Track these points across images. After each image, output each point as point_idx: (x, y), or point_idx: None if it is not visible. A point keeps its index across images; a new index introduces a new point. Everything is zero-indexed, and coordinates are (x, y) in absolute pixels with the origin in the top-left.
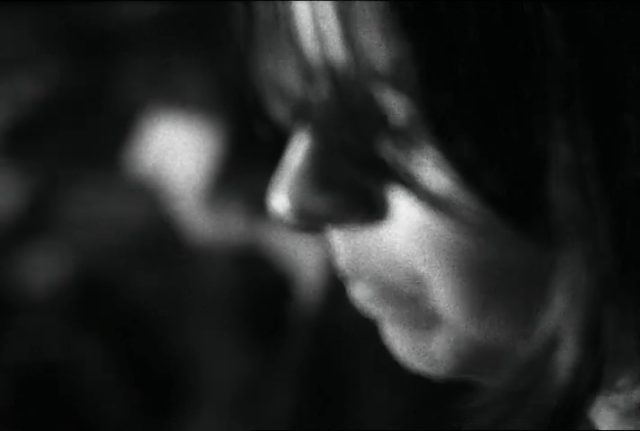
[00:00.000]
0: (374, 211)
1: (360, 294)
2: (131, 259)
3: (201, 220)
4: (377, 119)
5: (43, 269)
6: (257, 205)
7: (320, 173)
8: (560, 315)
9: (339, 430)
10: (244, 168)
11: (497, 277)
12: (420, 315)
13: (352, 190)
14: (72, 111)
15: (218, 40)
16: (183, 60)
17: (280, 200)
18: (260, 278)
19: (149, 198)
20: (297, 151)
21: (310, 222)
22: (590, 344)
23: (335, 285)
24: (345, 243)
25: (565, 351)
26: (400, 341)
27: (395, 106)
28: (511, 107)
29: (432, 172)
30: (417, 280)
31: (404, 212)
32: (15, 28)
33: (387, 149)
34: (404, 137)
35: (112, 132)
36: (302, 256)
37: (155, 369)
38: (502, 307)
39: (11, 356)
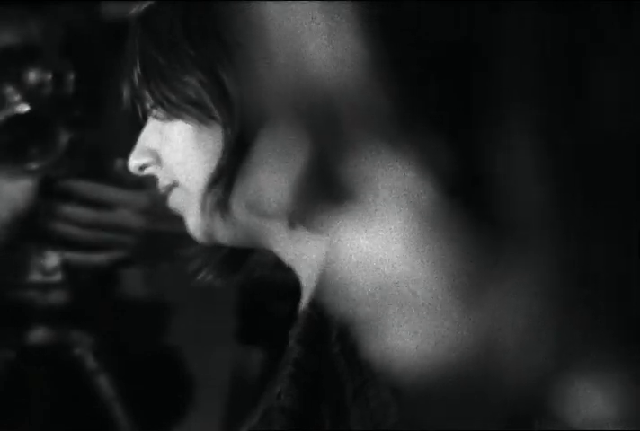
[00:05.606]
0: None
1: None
2: (128, 259)
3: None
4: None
5: (40, 271)
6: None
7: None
8: (498, 313)
9: (338, 430)
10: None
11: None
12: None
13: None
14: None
15: None
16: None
17: None
18: (258, 277)
19: (146, 197)
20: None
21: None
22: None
23: (334, 284)
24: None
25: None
26: (401, 337)
27: (369, 106)
28: (478, 105)
29: (399, 170)
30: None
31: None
32: (12, 27)
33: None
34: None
35: (111, 133)
36: (301, 256)
37: (152, 368)
38: (451, 300)
39: (7, 353)
